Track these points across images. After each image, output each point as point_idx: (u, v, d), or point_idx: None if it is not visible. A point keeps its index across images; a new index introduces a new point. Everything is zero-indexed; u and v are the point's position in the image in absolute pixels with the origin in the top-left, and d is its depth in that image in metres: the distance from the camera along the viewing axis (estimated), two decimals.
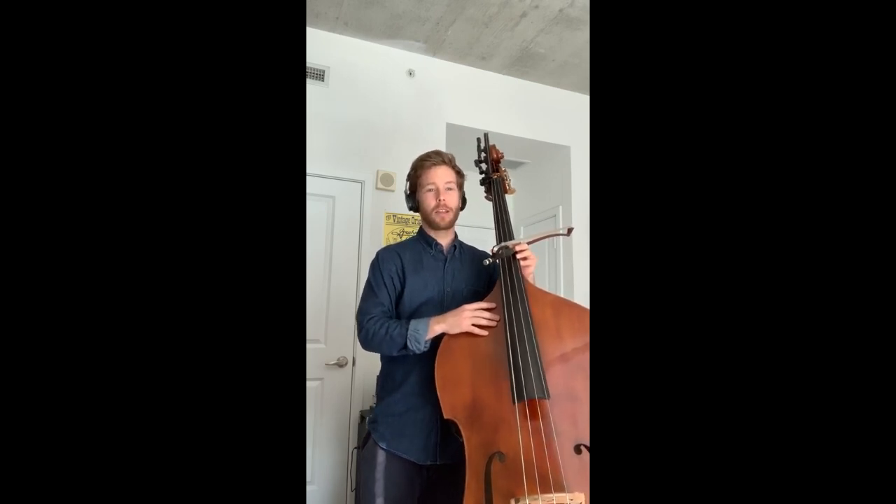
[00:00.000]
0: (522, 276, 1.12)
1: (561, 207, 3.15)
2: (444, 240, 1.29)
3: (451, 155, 1.31)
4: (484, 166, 1.41)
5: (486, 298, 1.13)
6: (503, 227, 1.22)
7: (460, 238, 1.36)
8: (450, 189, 1.25)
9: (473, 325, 1.07)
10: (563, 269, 3.07)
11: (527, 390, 0.98)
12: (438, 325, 1.09)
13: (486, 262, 1.17)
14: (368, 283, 1.25)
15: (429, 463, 1.14)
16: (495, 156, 1.40)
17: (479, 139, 1.47)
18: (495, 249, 1.15)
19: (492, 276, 1.31)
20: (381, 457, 1.15)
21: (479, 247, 1.39)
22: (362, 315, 1.19)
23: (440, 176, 1.25)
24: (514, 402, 0.99)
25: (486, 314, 1.08)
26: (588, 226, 2.86)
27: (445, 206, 1.24)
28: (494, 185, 1.32)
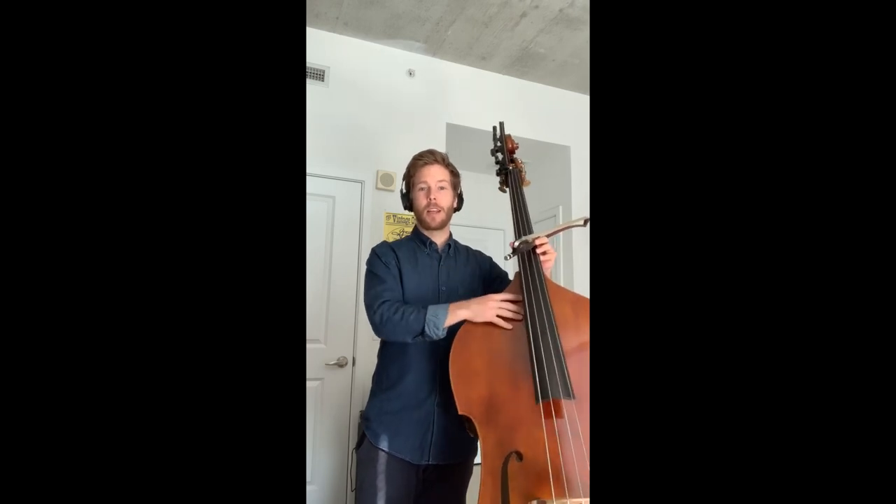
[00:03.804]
0: (542, 272, 1.09)
1: (561, 207, 3.15)
2: (438, 239, 1.28)
3: (445, 154, 1.29)
4: (500, 156, 1.37)
5: (505, 291, 1.10)
6: (522, 220, 1.19)
7: (462, 237, 1.36)
8: (442, 188, 1.24)
9: (498, 315, 1.05)
10: (563, 268, 3.07)
11: (552, 390, 0.94)
12: (462, 311, 1.06)
13: (507, 257, 1.15)
14: (372, 272, 1.22)
15: (423, 463, 1.14)
16: (511, 146, 1.35)
17: (494, 128, 1.42)
18: (516, 244, 1.13)
19: (488, 276, 1.31)
20: (379, 456, 1.14)
21: (476, 247, 1.38)
22: (374, 299, 1.15)
23: (432, 175, 1.24)
24: (537, 402, 0.95)
25: (512, 307, 1.06)
26: (588, 226, 2.85)
27: (436, 205, 1.23)
28: (511, 177, 1.29)
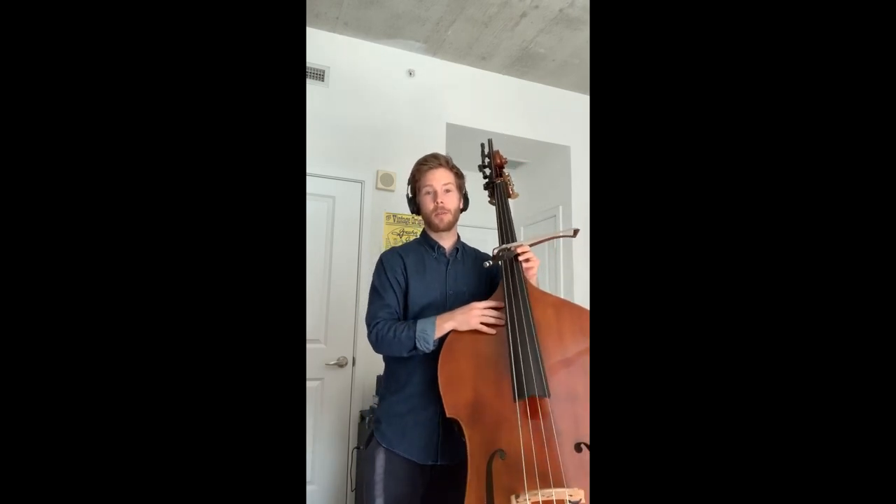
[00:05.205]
0: (524, 278, 1.13)
1: (561, 207, 3.15)
2: (446, 242, 1.30)
3: (448, 157, 1.32)
4: (487, 171, 1.42)
5: (490, 299, 1.14)
6: (506, 231, 1.24)
7: (464, 238, 1.37)
8: (448, 191, 1.27)
9: (482, 322, 1.09)
10: (563, 269, 3.07)
11: (527, 387, 0.99)
12: (448, 323, 1.10)
13: (487, 264, 1.17)
14: (374, 287, 1.26)
15: (430, 463, 1.14)
16: (499, 161, 1.41)
17: (482, 144, 1.48)
18: (496, 251, 1.16)
19: (494, 278, 1.32)
20: (382, 456, 1.15)
21: (482, 248, 1.40)
22: (371, 319, 1.20)
23: (438, 178, 1.27)
24: (515, 400, 1.00)
25: (495, 313, 1.10)
26: (588, 226, 2.86)
27: (443, 207, 1.26)
28: (498, 190, 1.34)
